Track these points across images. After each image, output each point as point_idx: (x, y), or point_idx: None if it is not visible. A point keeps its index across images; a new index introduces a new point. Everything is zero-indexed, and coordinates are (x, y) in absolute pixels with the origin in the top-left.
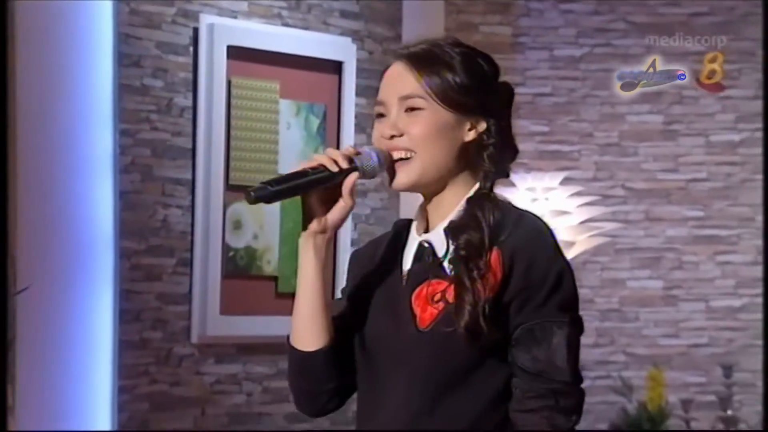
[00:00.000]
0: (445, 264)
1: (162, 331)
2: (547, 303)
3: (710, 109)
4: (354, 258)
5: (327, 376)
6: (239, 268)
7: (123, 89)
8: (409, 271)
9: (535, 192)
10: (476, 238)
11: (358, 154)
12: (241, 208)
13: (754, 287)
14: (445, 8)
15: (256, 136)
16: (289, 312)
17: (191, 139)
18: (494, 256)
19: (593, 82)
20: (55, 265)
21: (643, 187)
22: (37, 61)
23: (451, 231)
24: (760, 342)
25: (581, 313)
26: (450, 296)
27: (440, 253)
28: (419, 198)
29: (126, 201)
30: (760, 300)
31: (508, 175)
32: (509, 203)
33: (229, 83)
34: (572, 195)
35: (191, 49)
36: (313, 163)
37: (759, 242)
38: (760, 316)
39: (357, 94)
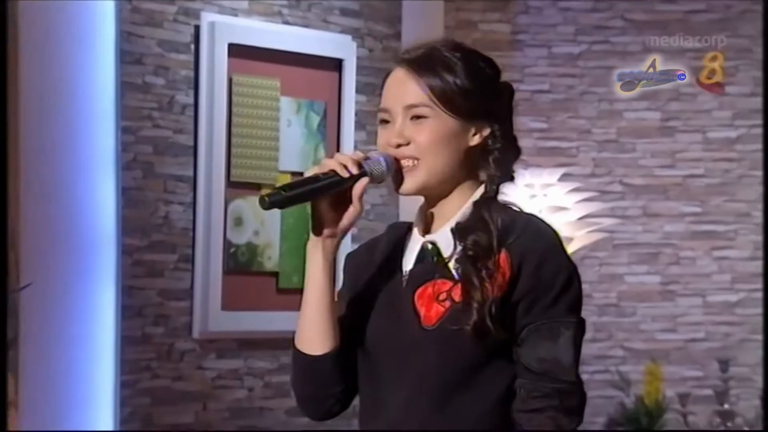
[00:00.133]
0: (451, 264)
1: (164, 327)
2: (556, 304)
3: (707, 106)
4: (349, 260)
5: (334, 380)
6: (240, 264)
7: (125, 87)
8: (411, 271)
9: (533, 188)
10: (484, 239)
11: (366, 159)
12: (242, 204)
13: (750, 282)
14: (445, 6)
15: (257, 133)
16: (290, 307)
17: (193, 136)
18: (503, 257)
19: (591, 79)
20: (58, 261)
21: (640, 183)
22: (40, 58)
23: (459, 232)
24: (756, 336)
25: None
26: (456, 295)
27: (446, 253)
28: (419, 196)
29: (128, 198)
30: (756, 295)
31: (513, 179)
32: (517, 207)
33: (230, 81)
34: (570, 191)
35: (192, 46)
36: (324, 169)
37: (755, 238)
38: (756, 311)
39: (357, 92)
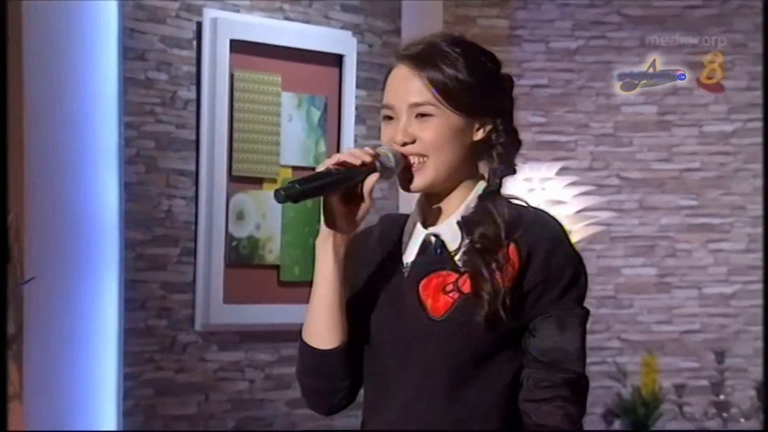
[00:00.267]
0: (456, 257)
1: (166, 320)
2: (565, 295)
3: (703, 101)
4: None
5: (343, 374)
6: (242, 257)
7: (128, 82)
8: (413, 263)
9: (531, 182)
10: (492, 231)
11: (376, 155)
12: (244, 198)
13: (745, 274)
14: (444, 2)
15: (259, 128)
16: (291, 300)
17: (195, 131)
18: (511, 249)
19: (589, 74)
20: (62, 255)
21: (637, 177)
22: (44, 55)
23: (466, 224)
24: (751, 328)
25: None
26: (464, 287)
27: (451, 246)
28: None
29: (131, 192)
30: (751, 287)
31: (515, 172)
32: (523, 201)
33: (231, 76)
34: (568, 185)
35: (195, 42)
36: (334, 160)
37: (751, 230)
38: (751, 302)
39: (357, 87)
